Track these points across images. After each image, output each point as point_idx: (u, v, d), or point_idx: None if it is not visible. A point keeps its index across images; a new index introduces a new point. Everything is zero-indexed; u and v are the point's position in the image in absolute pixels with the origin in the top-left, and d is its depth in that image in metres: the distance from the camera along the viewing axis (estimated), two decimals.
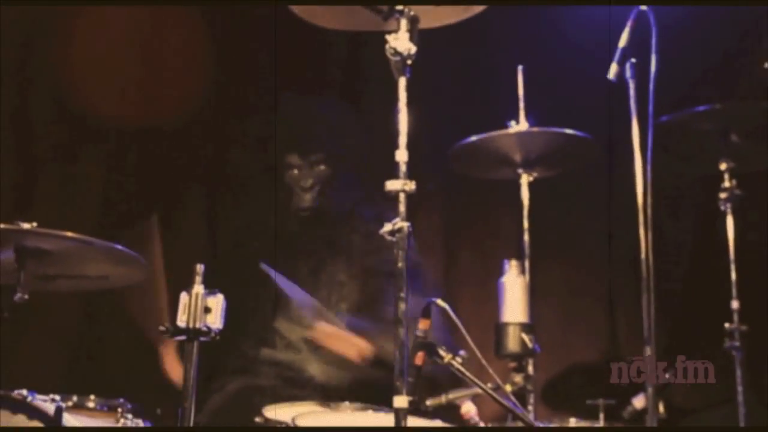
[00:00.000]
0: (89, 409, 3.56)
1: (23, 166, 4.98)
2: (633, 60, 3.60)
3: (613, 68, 3.61)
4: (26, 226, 3.37)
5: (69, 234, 3.48)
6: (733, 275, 4.09)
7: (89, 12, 5.02)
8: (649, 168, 3.52)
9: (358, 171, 4.47)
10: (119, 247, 3.59)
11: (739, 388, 3.99)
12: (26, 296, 3.51)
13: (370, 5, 3.24)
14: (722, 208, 4.15)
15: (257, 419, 3.65)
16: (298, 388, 4.16)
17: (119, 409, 3.63)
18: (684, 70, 4.66)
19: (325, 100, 4.97)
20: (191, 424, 3.10)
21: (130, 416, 3.65)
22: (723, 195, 4.15)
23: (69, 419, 3.20)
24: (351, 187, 4.48)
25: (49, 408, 3.17)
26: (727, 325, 4.05)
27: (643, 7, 3.60)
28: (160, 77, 5.23)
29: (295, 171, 4.45)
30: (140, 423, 3.69)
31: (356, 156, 4.49)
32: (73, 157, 5.05)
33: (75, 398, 3.49)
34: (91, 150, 5.08)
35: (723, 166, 4.17)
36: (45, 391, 3.32)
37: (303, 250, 4.46)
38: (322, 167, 4.45)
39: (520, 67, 4.28)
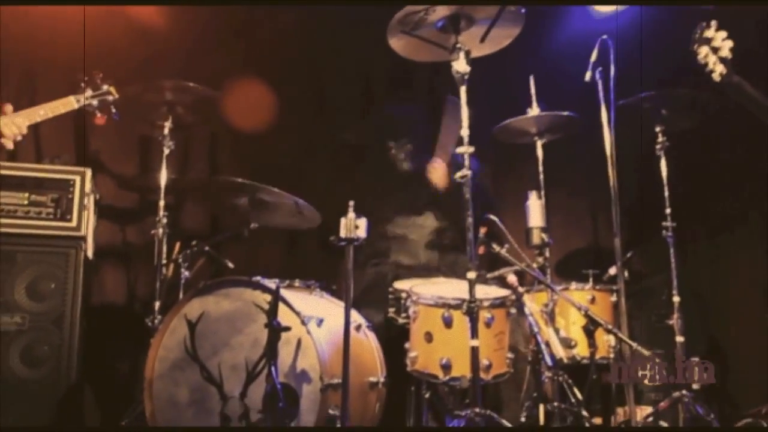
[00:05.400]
0: (295, 287, 3.60)
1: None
2: (600, 69, 3.55)
3: (588, 74, 3.59)
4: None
5: (275, 189, 3.51)
6: (666, 192, 4.04)
7: None
8: (612, 132, 3.52)
9: (425, 147, 4.47)
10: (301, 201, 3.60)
11: (672, 260, 3.98)
12: (257, 225, 3.65)
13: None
14: (658, 153, 4.10)
15: (390, 289, 3.68)
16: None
17: (312, 287, 3.68)
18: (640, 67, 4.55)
19: (407, 106, 4.88)
20: (351, 294, 3.14)
21: (317, 290, 3.69)
22: (658, 146, 4.10)
23: (284, 292, 3.17)
24: (423, 156, 4.45)
25: (272, 286, 3.19)
26: (663, 222, 4.03)
27: (605, 36, 3.54)
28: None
29: (393, 150, 4.47)
30: (324, 294, 3.69)
31: (424, 138, 4.53)
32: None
33: (287, 281, 3.53)
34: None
35: (657, 129, 4.10)
36: (270, 277, 3.37)
37: (403, 188, 4.47)
38: (408, 146, 4.46)
39: (531, 76, 4.24)
